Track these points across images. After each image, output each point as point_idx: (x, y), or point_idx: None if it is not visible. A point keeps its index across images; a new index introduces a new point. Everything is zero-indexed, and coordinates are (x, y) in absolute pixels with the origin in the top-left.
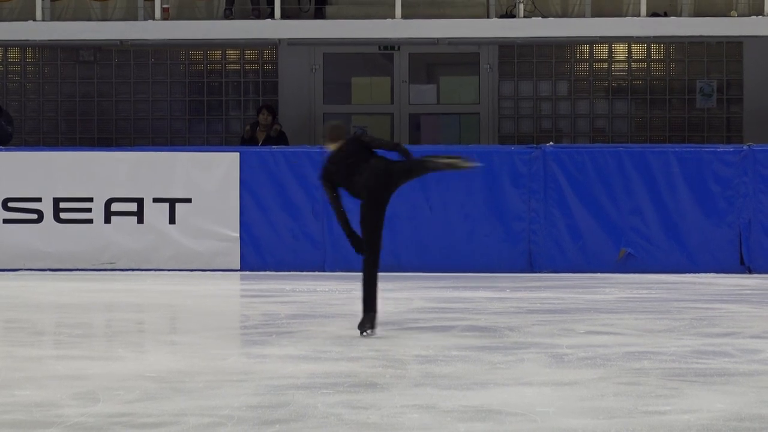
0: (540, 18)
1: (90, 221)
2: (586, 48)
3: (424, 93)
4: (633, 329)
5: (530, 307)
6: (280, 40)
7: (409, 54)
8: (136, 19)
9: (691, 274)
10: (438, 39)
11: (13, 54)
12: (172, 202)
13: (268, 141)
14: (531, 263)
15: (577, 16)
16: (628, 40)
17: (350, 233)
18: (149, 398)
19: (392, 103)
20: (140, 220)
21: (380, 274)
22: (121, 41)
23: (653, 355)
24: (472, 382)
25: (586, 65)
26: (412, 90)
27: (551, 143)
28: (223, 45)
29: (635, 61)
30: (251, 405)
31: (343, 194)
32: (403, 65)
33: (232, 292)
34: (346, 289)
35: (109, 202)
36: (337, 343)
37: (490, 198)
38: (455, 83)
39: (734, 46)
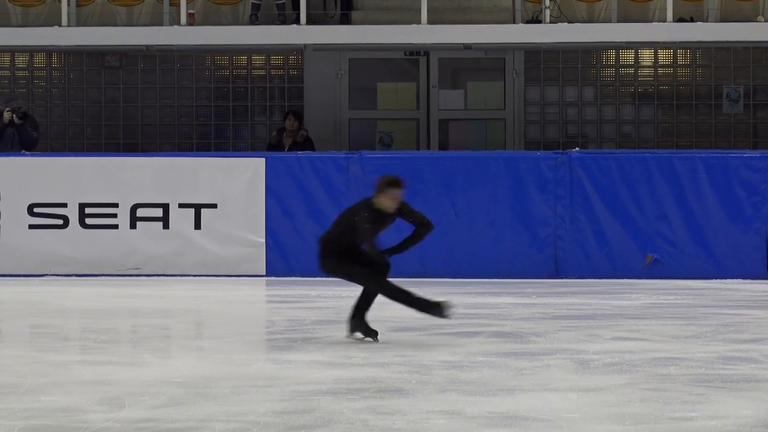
0: (566, 23)
1: (115, 227)
2: (612, 53)
3: (452, 98)
4: (659, 335)
5: (556, 312)
6: (305, 45)
7: (439, 59)
8: (161, 24)
9: (718, 280)
10: (464, 44)
11: (39, 59)
12: (198, 208)
13: (294, 146)
14: (557, 269)
15: (603, 21)
16: (655, 46)
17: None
18: (175, 404)
19: (418, 108)
20: (166, 226)
21: (406, 280)
22: (147, 47)
23: (680, 361)
24: (497, 388)
25: (612, 70)
26: (440, 95)
27: (577, 149)
28: (249, 50)
29: (662, 66)
30: (277, 411)
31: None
32: (433, 70)
33: (257, 298)
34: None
35: (134, 208)
36: (362, 349)
37: (516, 203)
38: (481, 89)
39: (761, 51)
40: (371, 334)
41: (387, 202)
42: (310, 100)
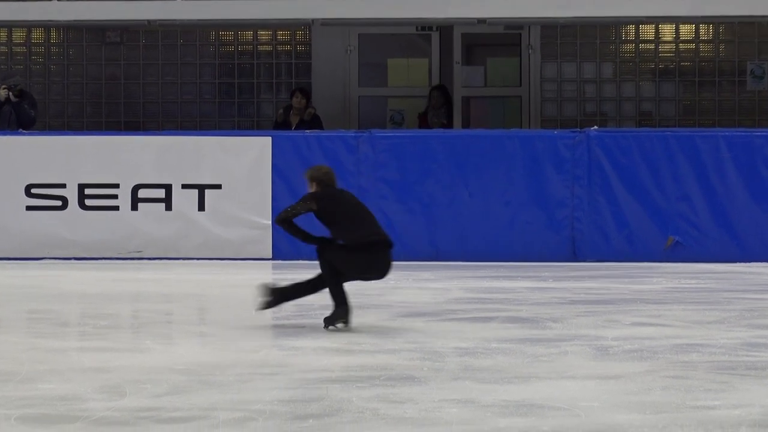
0: None
1: (116, 208)
2: (632, 28)
3: (473, 75)
4: (681, 320)
5: (574, 297)
6: (313, 20)
7: (453, 35)
8: None
9: (742, 263)
10: (477, 19)
11: (37, 35)
12: (202, 189)
13: (302, 125)
14: (574, 252)
15: None
16: (676, 20)
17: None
18: (178, 392)
19: (429, 85)
20: (168, 207)
21: (418, 263)
22: (149, 21)
23: (702, 347)
24: (513, 375)
25: (632, 46)
26: (462, 72)
27: (596, 127)
28: (255, 25)
29: (683, 41)
30: (284, 399)
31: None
32: (456, 45)
33: (263, 282)
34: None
35: (135, 189)
36: (372, 335)
37: (532, 184)
38: (498, 65)
39: None
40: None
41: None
42: (318, 77)
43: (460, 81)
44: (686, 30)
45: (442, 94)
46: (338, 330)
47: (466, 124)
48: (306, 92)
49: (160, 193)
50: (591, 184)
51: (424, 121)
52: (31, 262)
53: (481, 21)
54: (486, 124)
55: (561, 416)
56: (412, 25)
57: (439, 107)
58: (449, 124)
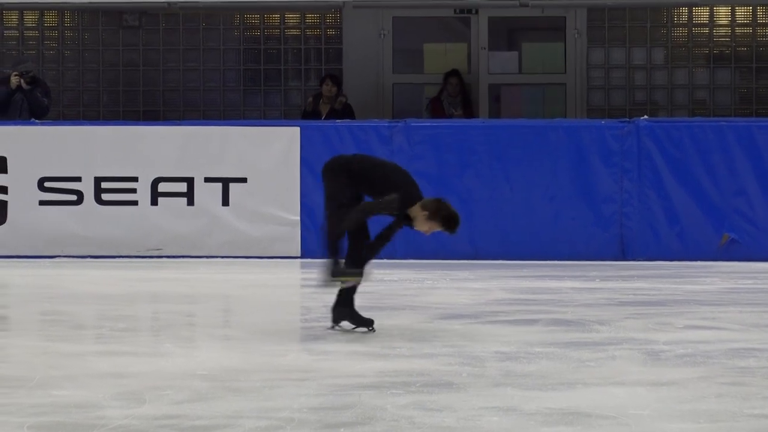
0: None
1: (135, 203)
2: (684, 11)
3: (505, 61)
4: (737, 323)
5: (622, 298)
6: (344, 2)
7: (489, 18)
8: None
9: None
10: (520, 1)
11: (50, 18)
12: (226, 182)
13: (332, 114)
14: (623, 250)
15: None
16: (732, 2)
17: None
18: (200, 399)
19: (469, 72)
20: (190, 202)
21: (456, 262)
22: (169, 3)
23: (759, 352)
24: (557, 381)
25: (684, 30)
26: (492, 58)
27: (646, 117)
28: (282, 8)
29: (739, 25)
30: (313, 406)
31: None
32: (483, 30)
33: (291, 282)
34: (419, 278)
35: (155, 182)
36: (408, 339)
37: (578, 178)
38: (539, 50)
39: None
40: (364, 323)
41: (424, 227)
42: (349, 63)
43: (486, 68)
44: (743, 13)
45: (459, 81)
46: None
47: (495, 114)
48: (337, 79)
49: (182, 187)
50: (641, 178)
51: (437, 108)
52: (45, 260)
53: (524, 4)
54: (519, 114)
55: (609, 425)
56: (450, 8)
57: (455, 95)
58: (467, 115)
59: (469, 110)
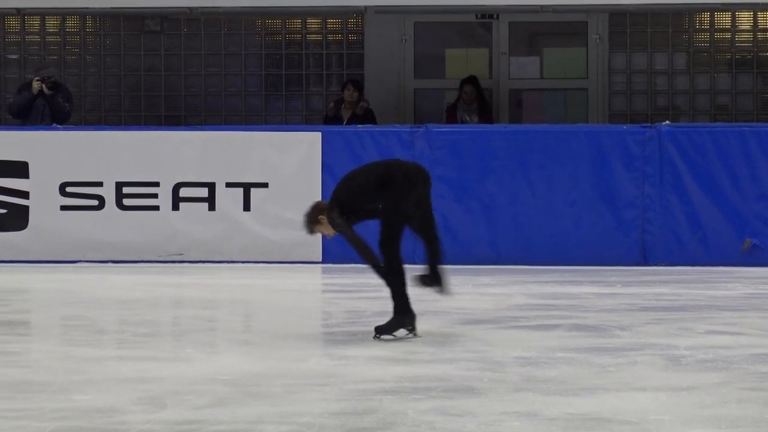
0: None
1: (156, 208)
2: (706, 16)
3: (526, 66)
4: (759, 329)
5: (644, 304)
6: (366, 7)
7: (509, 23)
8: None
9: None
10: (541, 6)
11: (72, 23)
12: (247, 187)
13: (354, 119)
14: (645, 255)
15: None
16: (754, 7)
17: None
18: (221, 404)
19: (491, 77)
20: (212, 207)
21: (477, 267)
22: (191, 9)
23: None
24: (578, 387)
25: (706, 35)
26: (513, 63)
27: (667, 122)
28: (304, 13)
29: (761, 30)
30: (334, 411)
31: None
32: (503, 35)
33: (313, 287)
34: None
35: (177, 187)
36: (429, 344)
37: (599, 183)
38: (560, 55)
39: None
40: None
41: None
42: (371, 68)
43: (507, 73)
44: (765, 17)
45: (475, 88)
46: (393, 339)
47: (516, 119)
48: (358, 84)
49: (203, 192)
50: (662, 183)
51: (452, 115)
52: (66, 265)
53: (546, 9)
54: (540, 119)
55: (630, 430)
56: (471, 13)
57: (470, 102)
58: (484, 123)
59: (486, 117)
